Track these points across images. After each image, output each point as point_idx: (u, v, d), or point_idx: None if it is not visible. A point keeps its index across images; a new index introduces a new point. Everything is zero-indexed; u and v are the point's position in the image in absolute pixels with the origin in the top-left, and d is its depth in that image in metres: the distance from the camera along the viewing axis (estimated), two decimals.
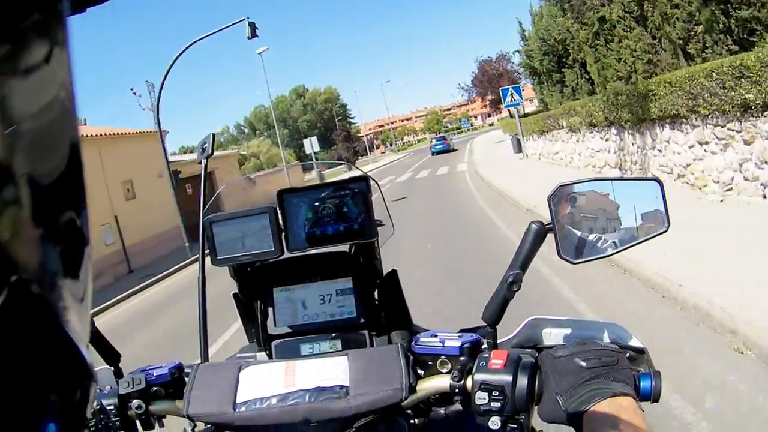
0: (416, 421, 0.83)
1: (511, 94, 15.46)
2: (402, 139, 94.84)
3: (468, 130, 72.50)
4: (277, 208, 0.96)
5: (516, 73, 30.49)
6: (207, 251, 1.01)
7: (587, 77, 12.73)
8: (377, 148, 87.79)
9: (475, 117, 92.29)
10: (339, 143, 56.55)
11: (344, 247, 1.01)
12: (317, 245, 0.96)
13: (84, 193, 0.24)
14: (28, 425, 0.20)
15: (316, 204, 0.96)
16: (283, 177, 23.56)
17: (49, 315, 0.21)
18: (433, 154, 34.36)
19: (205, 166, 1.10)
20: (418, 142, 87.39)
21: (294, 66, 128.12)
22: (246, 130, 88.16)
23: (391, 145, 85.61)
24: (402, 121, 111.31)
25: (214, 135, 1.11)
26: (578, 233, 0.78)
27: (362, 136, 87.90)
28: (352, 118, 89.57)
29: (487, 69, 34.39)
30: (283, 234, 0.95)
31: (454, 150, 34.30)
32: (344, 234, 0.95)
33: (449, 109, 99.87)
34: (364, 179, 0.96)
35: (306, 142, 24.15)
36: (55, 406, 0.21)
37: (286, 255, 0.97)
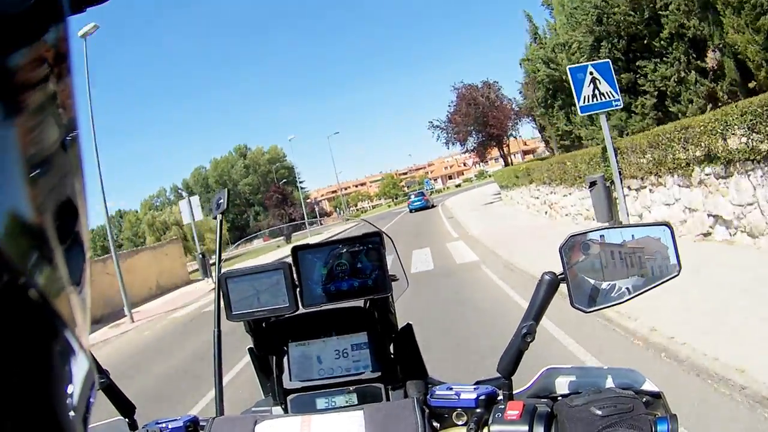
0: None
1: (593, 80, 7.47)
2: (356, 205, 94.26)
3: (431, 192, 72.61)
4: (292, 265, 1.02)
5: (514, 104, 25.34)
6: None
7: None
8: (328, 215, 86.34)
9: (435, 179, 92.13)
10: (270, 208, 52.30)
11: (359, 302, 1.07)
12: (332, 301, 1.02)
13: (84, 196, 0.25)
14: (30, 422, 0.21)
15: (331, 260, 1.02)
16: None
17: (49, 320, 0.22)
18: (411, 212, 34.17)
19: (221, 221, 1.19)
20: (374, 208, 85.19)
21: (238, 128, 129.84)
22: (183, 193, 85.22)
23: (340, 213, 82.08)
24: (356, 186, 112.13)
25: (229, 191, 1.21)
26: (590, 282, 0.83)
27: (309, 200, 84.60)
28: (301, 181, 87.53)
29: (473, 96, 25.59)
30: (298, 290, 1.01)
31: (432, 206, 34.31)
32: (359, 289, 1.01)
33: (405, 173, 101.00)
34: (378, 235, 1.03)
35: (182, 204, 16.77)
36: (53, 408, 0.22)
37: (301, 311, 1.02)
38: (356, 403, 1.02)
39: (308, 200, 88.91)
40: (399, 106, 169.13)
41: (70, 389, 0.23)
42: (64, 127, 0.24)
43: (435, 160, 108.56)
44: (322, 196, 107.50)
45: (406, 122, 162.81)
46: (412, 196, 38.55)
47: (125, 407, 1.00)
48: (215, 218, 1.20)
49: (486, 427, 0.79)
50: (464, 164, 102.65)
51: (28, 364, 0.21)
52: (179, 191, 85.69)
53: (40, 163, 0.22)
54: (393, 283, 1.04)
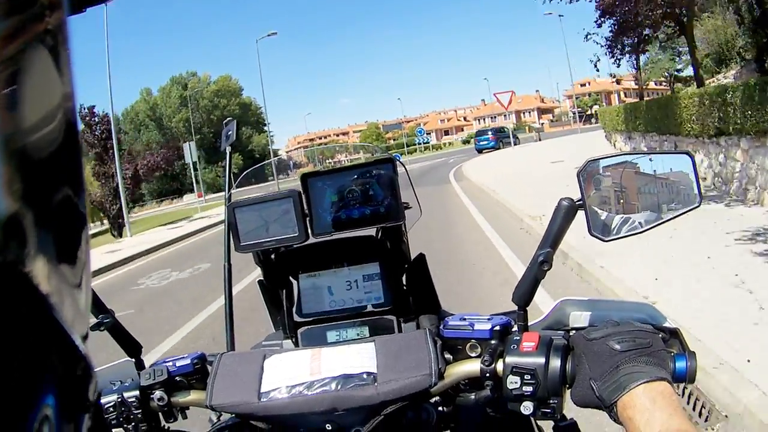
0: (444, 408, 0.96)
1: None
2: (332, 158, 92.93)
3: (423, 147, 62.55)
4: (301, 192, 1.10)
5: None
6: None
7: None
8: (298, 167, 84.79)
9: (429, 133, 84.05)
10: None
11: (371, 231, 1.15)
12: (343, 229, 1.11)
13: (81, 170, 0.27)
14: (22, 405, 0.22)
15: (341, 187, 1.10)
16: None
17: (38, 300, 0.23)
18: (479, 152, 33.76)
19: (230, 153, 1.31)
20: (351, 162, 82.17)
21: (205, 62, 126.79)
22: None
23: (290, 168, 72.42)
24: (337, 135, 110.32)
25: (237, 122, 1.32)
26: (607, 210, 0.91)
27: (277, 151, 77.63)
28: (265, 124, 78.60)
29: None
30: (308, 218, 1.10)
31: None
32: (370, 217, 1.10)
33: (394, 126, 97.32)
34: (390, 160, 1.11)
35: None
36: (49, 394, 0.23)
37: (311, 240, 1.11)
38: (368, 335, 1.11)
39: (276, 150, 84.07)
40: (391, 57, 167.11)
41: (61, 379, 0.24)
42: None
43: (429, 112, 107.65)
44: (299, 143, 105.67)
45: (399, 75, 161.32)
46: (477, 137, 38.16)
47: (131, 347, 1.07)
48: (224, 150, 1.31)
49: (501, 359, 0.86)
50: (464, 119, 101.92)
51: (12, 344, 0.22)
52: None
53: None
54: (406, 211, 1.12)
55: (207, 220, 20.61)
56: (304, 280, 1.17)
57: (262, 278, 1.22)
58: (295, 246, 1.13)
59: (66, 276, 0.25)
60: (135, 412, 0.98)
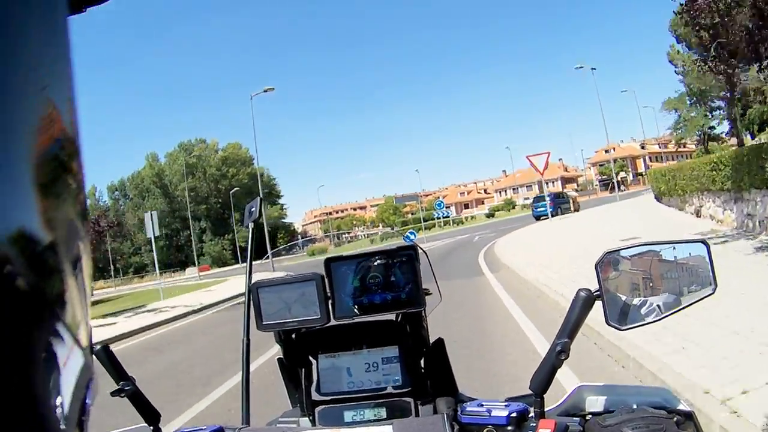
0: None
1: None
2: (349, 232, 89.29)
3: (443, 222, 58.29)
4: (324, 276, 1.17)
5: None
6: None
7: None
8: (312, 242, 77.11)
9: (448, 206, 74.39)
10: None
11: (391, 316, 1.20)
12: (364, 314, 1.17)
13: (82, 180, 0.28)
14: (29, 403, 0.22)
15: (364, 272, 1.17)
16: None
17: (40, 311, 0.23)
18: (537, 219, 31.89)
19: (253, 229, 1.40)
20: (368, 237, 70.65)
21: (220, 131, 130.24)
22: (118, 196, 77.50)
23: (300, 245, 67.00)
24: (354, 209, 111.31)
25: (261, 199, 1.46)
26: (625, 298, 0.97)
27: (290, 225, 78.03)
28: (279, 196, 78.76)
29: None
30: (330, 301, 1.17)
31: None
32: (392, 303, 1.16)
33: (410, 198, 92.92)
34: (413, 248, 1.17)
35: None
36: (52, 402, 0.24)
37: (333, 323, 1.17)
38: (385, 417, 1.16)
39: (289, 224, 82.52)
40: (408, 129, 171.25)
41: (62, 383, 0.25)
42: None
43: (448, 186, 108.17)
44: (315, 217, 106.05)
45: (417, 146, 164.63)
46: (534, 203, 36.00)
47: (150, 414, 1.14)
48: (247, 227, 1.41)
49: None
50: (485, 191, 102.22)
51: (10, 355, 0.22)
52: (114, 193, 77.20)
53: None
54: (426, 297, 1.17)
55: (152, 316, 15.52)
56: (324, 360, 1.23)
57: (281, 356, 1.27)
58: (316, 327, 1.19)
59: (68, 286, 0.26)
60: None
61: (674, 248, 0.96)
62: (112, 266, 60.08)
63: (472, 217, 75.61)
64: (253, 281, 1.25)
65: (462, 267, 15.03)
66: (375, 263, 1.15)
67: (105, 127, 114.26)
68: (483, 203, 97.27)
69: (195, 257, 58.55)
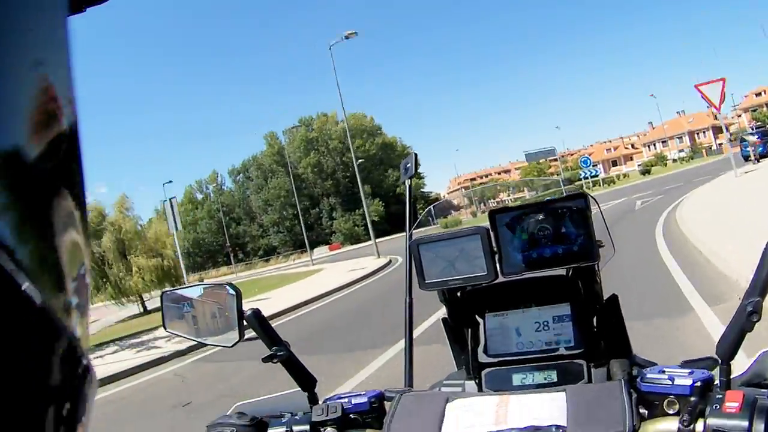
0: None
1: None
2: (495, 198, 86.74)
3: (591, 182, 49.24)
4: (489, 230, 1.12)
5: None
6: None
7: None
8: (455, 209, 73.87)
9: (595, 164, 63.86)
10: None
11: (561, 271, 1.16)
12: (534, 269, 1.10)
13: (82, 178, 0.29)
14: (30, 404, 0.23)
15: (531, 224, 1.10)
16: None
17: (39, 310, 0.24)
18: (745, 159, 24.69)
19: (410, 186, 1.42)
20: (516, 202, 57.87)
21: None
22: (242, 179, 75.51)
23: (432, 217, 54.21)
24: (498, 173, 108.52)
25: (416, 155, 1.41)
26: None
27: (430, 194, 73.19)
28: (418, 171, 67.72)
29: None
30: (497, 257, 1.11)
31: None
32: (563, 257, 1.08)
33: (555, 159, 77.87)
34: (583, 196, 1.09)
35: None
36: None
37: (500, 279, 1.12)
38: (555, 380, 1.09)
39: (428, 193, 78.07)
40: (547, 87, 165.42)
41: (62, 384, 0.25)
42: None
43: (593, 143, 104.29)
44: (459, 184, 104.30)
45: (557, 105, 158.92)
46: (747, 138, 26.40)
47: (306, 380, 1.13)
48: (404, 183, 1.42)
49: (701, 419, 0.83)
50: (632, 146, 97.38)
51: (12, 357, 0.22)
52: (237, 176, 75.14)
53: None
54: (599, 249, 1.09)
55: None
56: (491, 319, 1.18)
57: (446, 317, 1.25)
58: (482, 285, 1.15)
59: (68, 282, 0.26)
60: None
61: None
62: (231, 253, 57.43)
63: (625, 176, 68.07)
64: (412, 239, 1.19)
65: (638, 284, 7.00)
66: (543, 214, 1.08)
67: (221, 113, 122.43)
68: (632, 159, 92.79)
69: (314, 238, 53.23)
